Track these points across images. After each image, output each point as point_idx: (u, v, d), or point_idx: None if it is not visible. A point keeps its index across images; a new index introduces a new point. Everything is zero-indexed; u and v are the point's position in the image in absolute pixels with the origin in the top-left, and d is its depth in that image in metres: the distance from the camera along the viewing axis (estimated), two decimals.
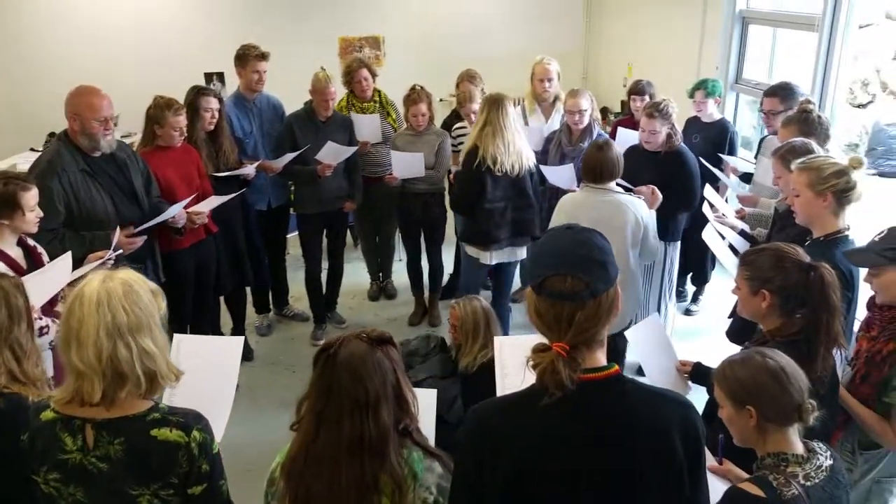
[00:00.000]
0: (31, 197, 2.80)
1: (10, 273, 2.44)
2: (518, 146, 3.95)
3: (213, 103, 4.09)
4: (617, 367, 1.45)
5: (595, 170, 3.41)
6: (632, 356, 3.40)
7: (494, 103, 3.92)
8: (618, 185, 3.54)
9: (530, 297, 1.45)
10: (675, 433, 1.41)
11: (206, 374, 2.10)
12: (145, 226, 3.41)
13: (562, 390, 1.36)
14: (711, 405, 2.20)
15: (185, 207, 3.70)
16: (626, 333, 2.59)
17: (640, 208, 3.44)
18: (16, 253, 2.83)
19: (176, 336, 2.29)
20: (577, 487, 1.41)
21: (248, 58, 4.45)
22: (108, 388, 1.61)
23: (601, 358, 1.44)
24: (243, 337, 2.49)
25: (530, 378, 1.45)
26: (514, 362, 2.32)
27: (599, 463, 1.40)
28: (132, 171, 3.48)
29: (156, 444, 1.64)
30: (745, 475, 1.87)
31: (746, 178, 4.19)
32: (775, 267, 2.10)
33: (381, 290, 5.52)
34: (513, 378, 2.24)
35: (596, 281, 1.37)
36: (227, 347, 2.35)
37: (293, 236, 5.13)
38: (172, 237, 3.74)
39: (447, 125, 5.01)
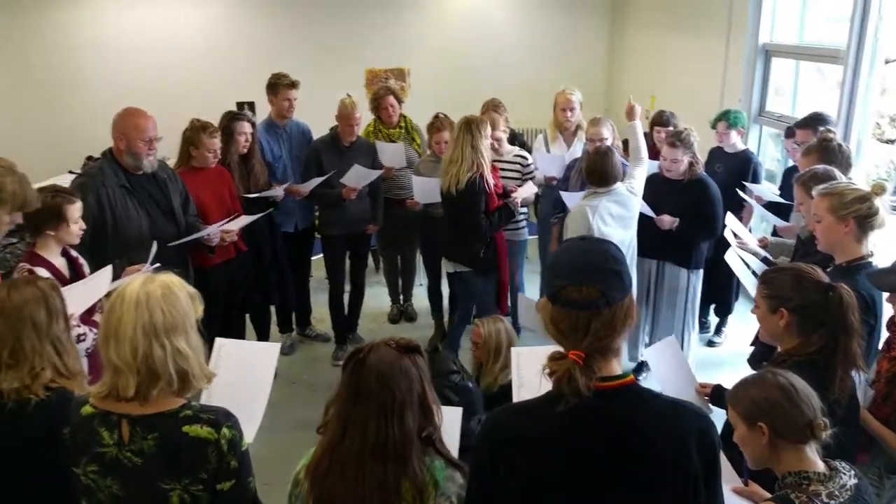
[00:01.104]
0: (75, 209, 2.94)
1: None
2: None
3: (247, 128, 4.25)
4: (632, 376, 1.47)
5: (603, 174, 3.71)
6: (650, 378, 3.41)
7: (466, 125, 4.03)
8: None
9: (546, 307, 1.48)
10: (691, 442, 1.43)
11: (243, 376, 2.20)
12: (181, 241, 3.53)
13: (578, 397, 1.38)
14: (729, 425, 2.21)
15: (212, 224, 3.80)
16: (644, 353, 2.61)
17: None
18: (60, 263, 2.96)
19: (217, 340, 2.37)
20: (591, 493, 1.43)
21: (279, 86, 4.61)
22: (142, 385, 1.67)
23: (616, 367, 1.46)
24: (280, 344, 2.57)
25: (546, 387, 1.48)
26: (530, 372, 2.35)
27: (613, 470, 1.42)
28: (171, 190, 3.62)
29: (187, 440, 1.69)
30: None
31: (772, 207, 4.21)
32: (794, 286, 2.11)
33: (402, 312, 5.58)
34: (528, 388, 2.27)
35: (611, 290, 1.41)
36: (265, 353, 2.45)
37: (317, 259, 5.22)
38: (205, 255, 3.85)
39: None
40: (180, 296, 1.73)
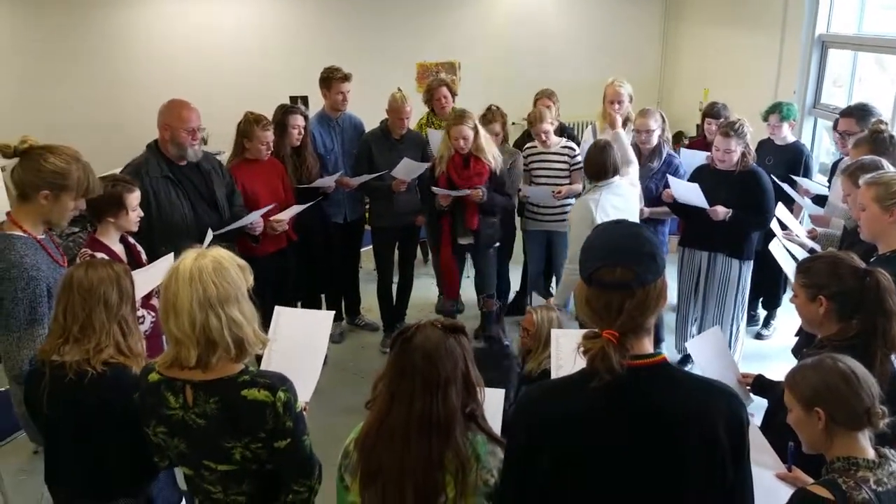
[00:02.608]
0: (134, 198, 3.05)
1: None
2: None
3: (300, 120, 4.37)
4: (664, 355, 1.51)
5: (600, 167, 3.80)
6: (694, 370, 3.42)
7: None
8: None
9: (581, 289, 1.53)
10: (719, 420, 1.46)
11: (299, 341, 2.35)
12: (224, 230, 3.60)
13: (612, 374, 1.42)
14: (770, 415, 2.22)
15: (267, 216, 3.91)
16: (688, 345, 2.62)
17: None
18: (118, 249, 3.08)
19: (276, 308, 2.52)
20: (621, 467, 1.47)
21: (332, 80, 4.70)
22: (202, 354, 1.79)
23: (648, 345, 1.51)
24: (333, 312, 2.70)
25: (581, 366, 1.52)
26: (568, 352, 2.40)
27: (643, 445, 1.46)
28: (215, 181, 3.70)
29: (246, 403, 1.81)
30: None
31: (819, 200, 4.15)
32: (831, 273, 2.12)
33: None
34: (567, 369, 2.31)
35: (644, 272, 1.45)
36: (320, 320, 2.60)
37: (366, 250, 5.34)
38: (250, 244, 3.92)
39: (518, 146, 5.14)
40: (230, 269, 1.84)
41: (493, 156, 4.30)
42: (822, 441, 1.79)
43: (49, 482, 2.34)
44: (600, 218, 3.69)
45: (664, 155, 4.50)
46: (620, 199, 3.83)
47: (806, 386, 1.80)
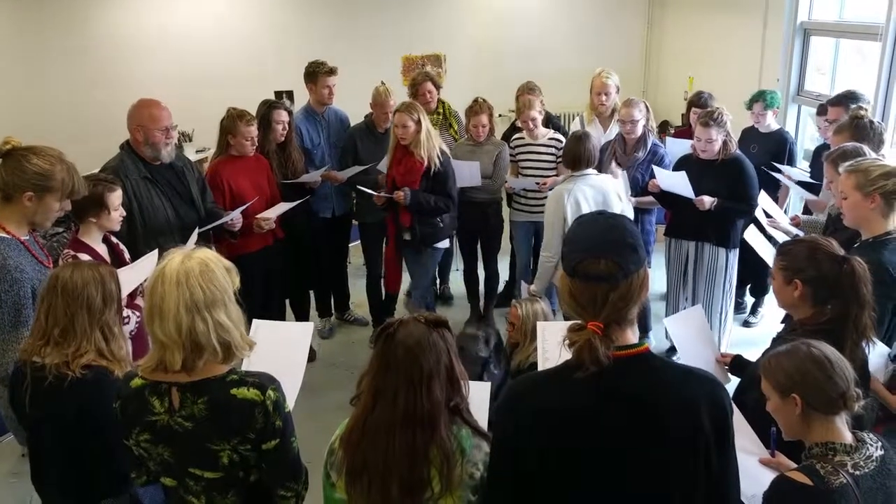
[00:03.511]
0: (115, 197, 3.03)
1: None
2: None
3: (284, 116, 4.34)
4: (647, 345, 1.52)
5: (575, 157, 3.86)
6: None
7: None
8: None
9: (563, 281, 1.54)
10: (703, 408, 1.47)
11: (278, 355, 2.30)
12: (205, 227, 3.57)
13: (598, 365, 1.43)
14: (739, 391, 2.24)
15: (254, 213, 3.89)
16: (666, 322, 2.63)
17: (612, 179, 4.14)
18: (101, 249, 3.06)
19: (254, 321, 2.48)
20: (607, 457, 1.48)
21: (318, 74, 4.68)
22: (188, 358, 1.77)
23: (632, 336, 1.52)
24: (313, 323, 2.68)
25: (567, 357, 1.53)
26: (553, 344, 2.40)
27: (628, 434, 1.47)
28: (189, 179, 3.66)
29: (235, 401, 1.79)
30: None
31: (803, 186, 4.18)
32: (809, 258, 2.14)
33: (438, 295, 5.66)
34: (553, 361, 2.32)
35: (628, 263, 1.46)
36: (299, 332, 2.57)
37: (354, 245, 5.32)
38: (228, 240, 3.87)
39: (505, 138, 5.14)
40: (217, 271, 1.81)
41: (428, 154, 4.17)
42: (800, 427, 1.81)
43: (35, 482, 2.33)
44: (570, 208, 3.75)
45: (649, 145, 4.51)
46: (594, 192, 3.87)
47: (781, 373, 1.82)
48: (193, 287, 1.75)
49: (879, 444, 1.78)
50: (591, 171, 3.92)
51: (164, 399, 1.82)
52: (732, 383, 2.51)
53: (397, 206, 4.27)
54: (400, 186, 4.21)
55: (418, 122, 4.13)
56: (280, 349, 2.37)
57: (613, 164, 4.50)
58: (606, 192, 3.93)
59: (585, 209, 3.78)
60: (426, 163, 4.16)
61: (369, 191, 4.28)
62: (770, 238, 3.33)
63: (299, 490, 1.94)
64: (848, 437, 1.76)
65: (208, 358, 1.79)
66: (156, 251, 3.01)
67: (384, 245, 4.71)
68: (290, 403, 2.07)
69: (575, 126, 5.12)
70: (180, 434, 1.82)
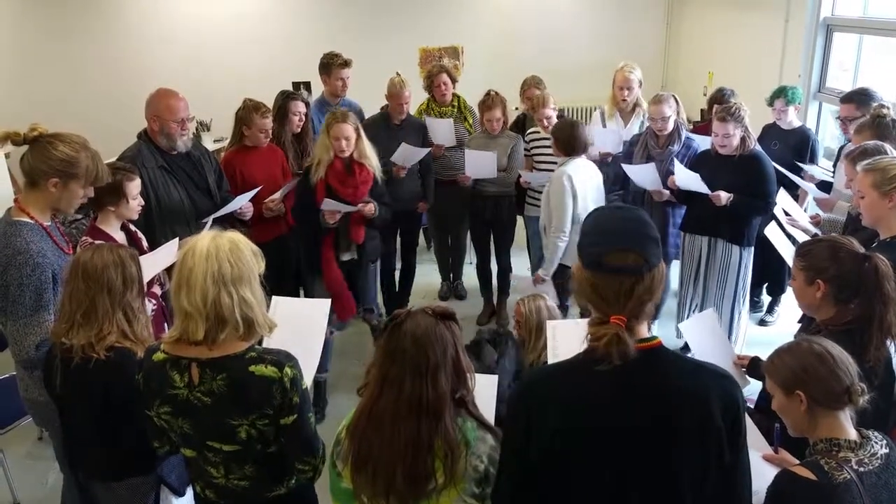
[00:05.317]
0: (134, 186, 3.06)
1: None
2: None
3: (301, 107, 4.36)
4: (659, 339, 1.52)
5: (568, 142, 4.01)
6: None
7: None
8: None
9: (581, 274, 1.52)
10: (714, 402, 1.46)
11: (297, 331, 2.35)
12: (215, 215, 3.59)
13: (624, 359, 1.43)
14: (763, 397, 2.22)
15: (260, 200, 3.89)
16: (681, 326, 2.62)
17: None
18: (119, 237, 3.09)
19: (273, 298, 2.53)
20: (620, 447, 1.48)
21: (332, 66, 4.70)
22: (210, 329, 1.81)
23: (645, 330, 1.52)
24: (330, 300, 2.72)
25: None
26: (564, 343, 2.41)
27: (641, 428, 1.47)
28: (206, 168, 3.69)
29: (254, 378, 1.83)
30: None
31: (824, 186, 4.12)
32: (830, 257, 2.12)
33: (452, 290, 5.66)
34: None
35: (651, 255, 1.46)
36: (317, 309, 2.64)
37: None
38: (240, 229, 3.88)
39: (516, 130, 5.11)
40: (245, 251, 1.87)
41: (374, 163, 3.94)
42: (805, 423, 1.81)
43: (68, 462, 2.41)
44: (579, 188, 3.94)
45: (683, 138, 4.45)
46: (589, 177, 4.04)
47: (784, 371, 1.82)
48: (222, 261, 1.81)
49: (885, 441, 1.78)
50: (582, 157, 4.09)
51: (185, 374, 1.86)
52: (750, 387, 2.49)
53: (344, 225, 3.88)
54: (353, 202, 3.83)
55: (357, 130, 3.85)
56: (298, 325, 2.42)
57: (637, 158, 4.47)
58: (599, 178, 4.13)
59: (589, 192, 3.97)
60: (373, 171, 3.92)
61: (338, 205, 3.77)
62: (790, 237, 3.28)
63: (317, 464, 1.99)
64: (852, 434, 1.76)
65: (230, 332, 1.83)
66: (176, 240, 3.03)
67: (320, 273, 4.04)
68: (308, 380, 2.11)
69: (595, 120, 5.07)
70: (199, 408, 1.86)
